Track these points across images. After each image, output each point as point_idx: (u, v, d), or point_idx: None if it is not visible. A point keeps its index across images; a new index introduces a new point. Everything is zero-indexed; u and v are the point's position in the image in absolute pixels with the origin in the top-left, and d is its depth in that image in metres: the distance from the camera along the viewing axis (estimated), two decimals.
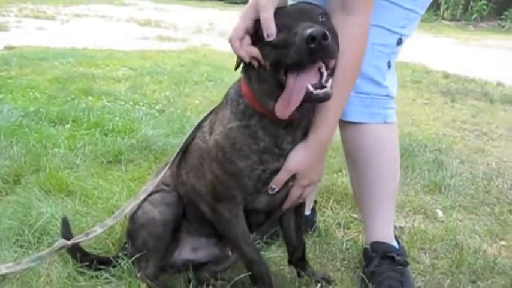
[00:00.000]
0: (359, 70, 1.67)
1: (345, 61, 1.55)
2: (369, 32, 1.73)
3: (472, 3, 18.64)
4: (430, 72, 7.83)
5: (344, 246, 2.18)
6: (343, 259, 2.09)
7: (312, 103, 1.48)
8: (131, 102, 4.44)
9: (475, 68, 8.30)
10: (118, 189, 2.46)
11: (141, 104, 4.44)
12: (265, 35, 1.44)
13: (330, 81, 1.42)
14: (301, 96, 1.38)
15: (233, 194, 1.60)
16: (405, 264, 1.90)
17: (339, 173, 3.05)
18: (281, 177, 1.61)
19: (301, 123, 1.59)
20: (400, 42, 1.88)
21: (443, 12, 19.09)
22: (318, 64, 1.40)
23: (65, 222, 1.88)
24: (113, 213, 1.96)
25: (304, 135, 1.62)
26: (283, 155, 1.59)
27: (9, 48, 7.42)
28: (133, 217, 1.79)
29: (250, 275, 1.69)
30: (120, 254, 1.80)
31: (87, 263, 1.80)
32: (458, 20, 18.52)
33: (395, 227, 2.38)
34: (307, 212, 2.29)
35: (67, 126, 3.50)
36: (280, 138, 1.57)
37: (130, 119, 3.81)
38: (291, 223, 1.87)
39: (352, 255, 2.11)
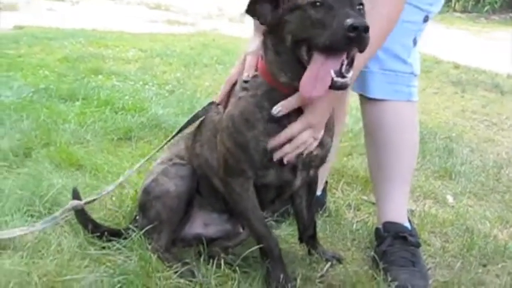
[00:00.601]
0: (383, 40, 1.66)
1: (377, 32, 1.53)
2: None
3: None
4: (440, 63, 7.77)
5: (354, 227, 2.17)
6: (354, 239, 2.08)
7: (332, 89, 1.43)
8: (141, 82, 4.42)
9: (486, 59, 8.22)
10: (128, 164, 2.45)
11: (150, 84, 4.42)
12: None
13: (350, 73, 1.41)
14: (328, 83, 1.38)
15: (243, 167, 1.60)
16: (417, 245, 1.89)
17: (349, 156, 3.03)
18: (289, 103, 1.54)
19: None
20: (426, 19, 1.87)
21: (455, 4, 18.85)
22: (346, 52, 1.39)
23: (75, 192, 1.88)
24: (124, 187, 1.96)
25: None
26: None
27: (19, 27, 7.41)
28: (146, 189, 1.78)
29: (261, 250, 1.68)
30: (131, 226, 1.79)
31: (98, 234, 1.80)
32: (469, 12, 18.30)
33: (407, 210, 2.37)
34: (318, 192, 2.28)
35: (77, 103, 3.49)
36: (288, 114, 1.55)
37: (140, 98, 3.80)
38: (302, 201, 1.85)
39: (362, 236, 2.10)
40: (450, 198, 2.67)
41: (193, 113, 1.83)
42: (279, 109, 1.54)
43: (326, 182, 2.37)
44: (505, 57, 8.71)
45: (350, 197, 2.47)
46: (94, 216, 1.91)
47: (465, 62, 7.82)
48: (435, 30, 13.21)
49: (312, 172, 1.73)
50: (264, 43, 1.56)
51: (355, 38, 1.31)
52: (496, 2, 17.76)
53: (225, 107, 1.67)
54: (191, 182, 1.75)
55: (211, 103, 1.78)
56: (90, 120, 3.09)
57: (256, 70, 1.60)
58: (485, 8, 17.81)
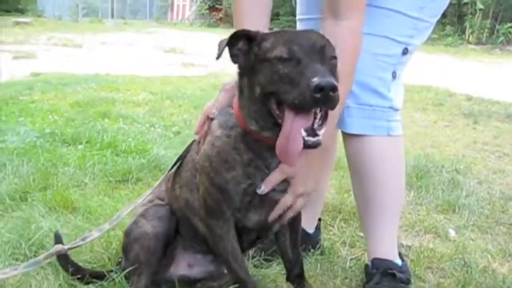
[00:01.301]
0: (354, 74, 1.65)
1: (341, 67, 1.52)
2: (372, 42, 1.73)
3: (497, 27, 18.46)
4: (453, 95, 7.73)
5: (348, 264, 2.13)
6: (346, 277, 2.03)
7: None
8: (147, 125, 4.47)
9: (500, 90, 8.17)
10: (122, 206, 2.45)
11: (157, 126, 4.47)
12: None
13: (322, 130, 1.38)
14: (300, 145, 1.35)
15: (222, 209, 1.58)
16: (407, 282, 1.84)
17: (350, 193, 2.99)
18: (274, 178, 1.54)
19: None
20: (405, 52, 1.83)
21: (469, 36, 18.92)
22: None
23: (57, 236, 1.88)
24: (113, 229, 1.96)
25: None
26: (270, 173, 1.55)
27: (35, 74, 7.62)
28: (127, 231, 1.78)
29: None
30: (113, 269, 1.78)
31: (80, 277, 1.79)
32: (484, 44, 18.31)
33: (403, 245, 2.33)
34: (311, 230, 2.25)
35: (80, 146, 3.54)
36: (264, 156, 1.53)
37: (144, 140, 3.84)
38: (286, 240, 1.82)
39: (355, 274, 2.05)
40: (452, 232, 2.60)
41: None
42: (262, 188, 1.54)
43: (319, 220, 2.33)
44: None
45: (346, 233, 2.43)
46: (80, 258, 1.91)
47: (478, 94, 7.78)
48: (449, 64, 13.25)
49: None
50: (239, 86, 1.54)
51: (322, 99, 1.28)
52: (510, 33, 17.73)
53: (204, 138, 1.65)
54: (169, 223, 1.74)
55: (193, 142, 1.78)
56: (90, 163, 3.11)
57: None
58: (500, 39, 17.83)
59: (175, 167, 1.83)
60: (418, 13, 1.80)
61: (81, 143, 3.61)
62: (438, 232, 2.58)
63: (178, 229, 1.79)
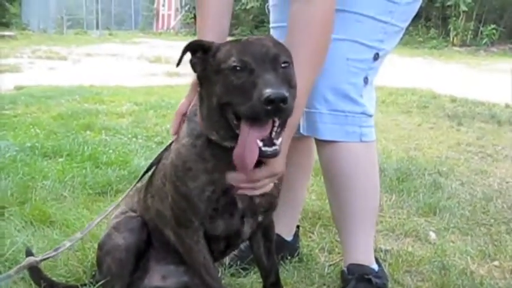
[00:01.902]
0: (325, 53, 1.63)
1: (311, 47, 1.55)
2: (343, 47, 1.74)
3: (481, 28, 18.63)
4: (437, 97, 7.80)
5: (326, 270, 2.13)
6: (324, 284, 2.04)
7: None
8: (130, 136, 4.45)
9: (484, 91, 8.23)
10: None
11: (139, 137, 4.45)
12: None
13: (280, 139, 1.38)
14: (256, 155, 1.35)
15: (189, 217, 1.57)
16: (383, 286, 1.84)
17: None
18: (238, 176, 1.50)
19: None
20: (376, 57, 1.84)
21: (453, 39, 19.07)
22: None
23: (28, 251, 1.88)
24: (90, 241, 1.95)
25: None
26: None
27: (19, 88, 7.58)
28: (100, 244, 1.78)
29: None
30: (87, 282, 1.77)
31: None
32: (468, 46, 18.47)
33: (382, 250, 2.32)
34: (289, 237, 2.25)
35: (60, 160, 3.52)
36: (230, 161, 1.49)
37: (125, 152, 3.82)
38: (260, 248, 1.81)
39: (332, 280, 2.05)
40: (432, 235, 2.61)
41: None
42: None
43: (298, 227, 2.32)
44: (504, 88, 8.71)
45: (325, 240, 2.43)
46: (55, 272, 1.91)
47: (463, 95, 7.83)
48: (434, 66, 13.34)
49: (260, 218, 1.69)
50: (200, 95, 1.53)
51: (273, 111, 1.27)
52: (493, 34, 17.90)
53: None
54: (140, 234, 1.74)
55: (164, 150, 1.77)
56: (69, 175, 3.09)
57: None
58: (484, 41, 17.99)
59: (146, 176, 1.83)
60: (388, 17, 1.81)
61: (61, 156, 3.59)
62: (419, 235, 2.59)
63: (151, 241, 1.77)
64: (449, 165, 4.02)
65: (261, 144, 1.34)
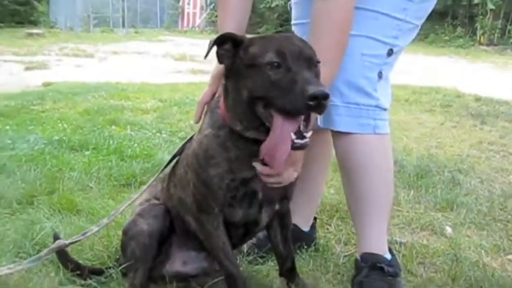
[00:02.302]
0: (345, 49, 1.73)
1: (332, 44, 1.65)
2: (359, 43, 1.81)
3: (509, 27, 18.37)
4: (461, 96, 7.75)
5: (341, 260, 2.18)
6: (338, 273, 2.09)
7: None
8: (154, 131, 4.55)
9: (510, 91, 8.15)
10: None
11: (163, 132, 4.54)
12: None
13: (309, 132, 1.46)
14: (289, 147, 1.43)
15: (209, 204, 1.65)
16: (395, 275, 1.89)
17: None
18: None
19: None
20: (390, 53, 1.90)
21: (480, 37, 18.85)
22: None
23: (55, 236, 1.99)
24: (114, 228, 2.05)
25: None
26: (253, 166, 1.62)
27: (47, 84, 7.75)
28: (125, 230, 1.87)
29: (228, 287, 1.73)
30: (110, 265, 1.86)
31: (79, 273, 1.89)
32: (495, 45, 18.24)
33: (397, 242, 2.37)
34: (306, 228, 2.31)
35: (87, 153, 3.63)
36: (252, 152, 1.59)
37: (150, 146, 3.92)
38: (277, 235, 1.89)
39: (347, 269, 2.11)
40: (449, 229, 2.64)
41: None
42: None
43: (315, 219, 2.38)
44: None
45: (342, 231, 2.49)
46: (81, 256, 2.02)
47: (488, 94, 7.77)
48: (460, 65, 13.23)
49: (277, 206, 1.76)
50: (225, 87, 1.60)
51: (315, 106, 1.36)
52: None
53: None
54: (163, 221, 1.82)
55: (187, 142, 1.86)
56: (95, 167, 3.20)
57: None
58: (511, 40, 17.76)
59: (170, 165, 1.92)
60: (402, 15, 1.86)
61: (87, 149, 3.71)
62: (434, 229, 2.63)
63: (173, 227, 1.86)
64: (470, 163, 4.02)
65: (294, 137, 1.42)
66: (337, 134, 1.93)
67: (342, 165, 2.01)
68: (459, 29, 19.71)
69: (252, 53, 1.50)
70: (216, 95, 1.72)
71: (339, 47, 1.72)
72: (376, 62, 1.88)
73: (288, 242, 1.90)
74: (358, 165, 1.94)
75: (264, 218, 1.75)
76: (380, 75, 1.90)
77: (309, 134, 1.45)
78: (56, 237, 1.95)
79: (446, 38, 19.27)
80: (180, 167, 1.82)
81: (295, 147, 1.44)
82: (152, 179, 1.98)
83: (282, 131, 1.42)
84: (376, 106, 1.89)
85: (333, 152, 2.10)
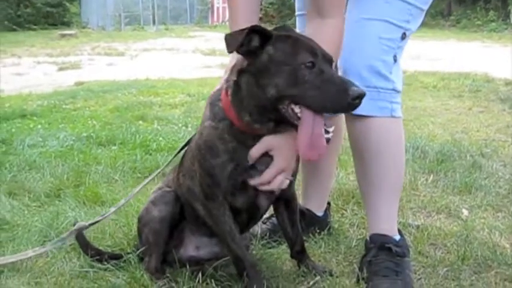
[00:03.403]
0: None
1: None
2: (375, 26, 1.89)
3: None
4: (491, 81, 7.63)
5: (353, 243, 2.23)
6: (350, 255, 2.14)
7: None
8: (180, 125, 4.67)
9: None
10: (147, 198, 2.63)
11: (190, 125, 4.65)
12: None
13: (333, 127, 1.57)
14: (324, 143, 1.53)
15: (214, 192, 1.74)
16: (403, 255, 1.93)
17: None
18: (257, 149, 1.68)
19: None
20: (404, 36, 1.95)
21: None
22: None
23: (75, 223, 2.11)
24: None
25: None
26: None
27: (79, 83, 7.96)
28: (139, 217, 1.99)
29: (237, 271, 1.82)
30: (128, 251, 1.98)
31: (99, 258, 2.01)
32: None
33: (410, 225, 2.41)
34: (320, 213, 2.37)
35: (113, 148, 3.78)
36: (248, 144, 1.68)
37: (175, 139, 4.03)
38: (284, 219, 1.97)
39: (358, 251, 2.15)
40: (465, 212, 2.66)
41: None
42: (249, 160, 1.70)
43: (329, 204, 2.44)
44: None
45: (357, 216, 2.53)
46: (103, 243, 2.15)
47: None
48: (491, 49, 12.98)
49: (276, 193, 1.83)
50: (236, 82, 1.62)
51: (356, 105, 1.48)
52: None
53: None
54: (173, 207, 1.92)
55: (195, 134, 1.95)
56: (120, 161, 3.32)
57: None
58: None
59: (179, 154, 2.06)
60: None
61: (114, 144, 3.85)
62: (451, 212, 2.64)
63: (184, 213, 1.96)
64: (494, 147, 3.99)
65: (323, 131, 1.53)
66: (353, 118, 1.96)
67: (356, 147, 2.05)
68: (492, 12, 19.31)
69: (283, 51, 1.54)
70: (215, 89, 1.79)
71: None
72: (392, 45, 1.93)
73: (296, 225, 1.98)
74: (372, 148, 1.98)
75: (264, 204, 1.83)
76: (395, 58, 1.95)
77: (332, 129, 1.56)
78: (76, 222, 2.08)
79: (479, 22, 18.91)
80: (187, 158, 1.91)
81: None
82: (164, 165, 2.15)
83: (315, 127, 1.51)
84: (393, 89, 1.95)
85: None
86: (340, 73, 1.87)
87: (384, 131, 1.97)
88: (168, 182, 2.03)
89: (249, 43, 1.56)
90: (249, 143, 1.67)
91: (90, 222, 2.06)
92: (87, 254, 2.02)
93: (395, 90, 1.96)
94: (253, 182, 1.72)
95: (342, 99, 1.45)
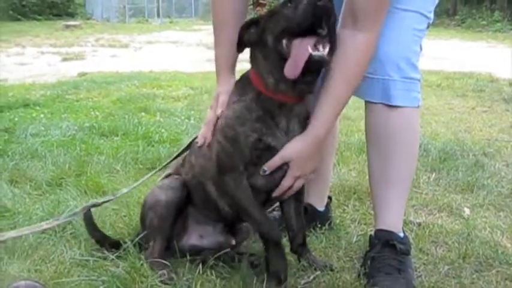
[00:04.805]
0: (360, 78, 1.82)
1: (349, 66, 1.76)
2: (410, 18, 1.89)
3: None
4: (495, 81, 7.60)
5: (354, 239, 2.23)
6: (351, 250, 2.14)
7: (312, 67, 1.63)
8: (183, 117, 4.66)
9: None
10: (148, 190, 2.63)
11: (192, 118, 4.64)
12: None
13: (326, 48, 1.63)
14: (306, 57, 1.59)
15: (235, 162, 1.76)
16: (407, 253, 1.92)
17: (363, 173, 3.07)
18: (274, 162, 1.76)
19: (294, 107, 1.76)
20: (428, 26, 1.98)
21: None
22: (318, 32, 1.62)
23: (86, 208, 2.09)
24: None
25: (300, 125, 1.78)
26: (277, 134, 1.75)
27: (82, 74, 7.97)
28: (144, 201, 2.00)
29: (262, 238, 1.83)
30: (127, 240, 1.98)
31: (100, 242, 2.03)
32: None
33: (411, 222, 2.40)
34: (321, 208, 2.36)
35: (116, 138, 3.78)
36: (274, 113, 1.74)
37: (177, 131, 4.03)
38: (291, 209, 1.97)
39: (359, 247, 2.15)
40: (467, 211, 2.65)
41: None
42: (265, 169, 1.76)
43: (330, 198, 2.43)
44: None
45: (358, 212, 2.53)
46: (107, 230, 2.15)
47: None
48: (497, 50, 12.95)
49: None
50: (253, 55, 1.78)
51: (321, 9, 1.56)
52: None
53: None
54: (180, 192, 1.94)
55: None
56: (122, 152, 3.32)
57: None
58: None
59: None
60: None
61: (117, 135, 3.85)
62: (452, 211, 2.63)
63: (190, 200, 1.97)
64: (497, 147, 3.97)
65: (310, 49, 1.59)
66: (382, 107, 1.93)
67: (378, 137, 1.99)
68: (497, 13, 19.25)
69: (270, 11, 1.75)
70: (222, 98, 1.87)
71: (361, 71, 1.82)
72: (421, 35, 1.95)
73: (300, 216, 1.99)
74: (396, 138, 1.95)
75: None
76: (420, 47, 1.96)
77: (326, 50, 1.63)
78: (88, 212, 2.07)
79: (484, 22, 18.85)
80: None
81: (313, 60, 1.59)
82: (174, 156, 2.15)
83: (299, 47, 1.61)
84: (419, 80, 1.96)
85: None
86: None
87: (410, 121, 1.97)
88: (176, 170, 2.05)
89: (249, 33, 1.78)
90: (275, 112, 1.74)
91: (102, 200, 2.09)
92: (91, 235, 2.03)
93: (420, 80, 1.97)
94: (275, 194, 1.83)
95: (308, 6, 1.57)
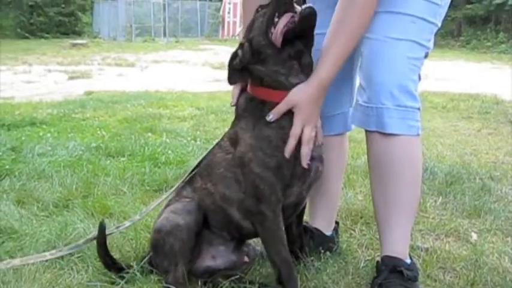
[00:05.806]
0: (364, 27, 1.88)
1: (353, 15, 1.84)
2: (404, 47, 1.91)
3: None
4: (500, 103, 7.63)
5: (361, 264, 2.21)
6: (358, 276, 2.12)
7: (299, 26, 1.77)
8: (189, 138, 4.67)
9: None
10: (155, 212, 2.63)
11: (198, 139, 4.65)
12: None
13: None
14: (288, 18, 1.77)
15: (275, 189, 1.79)
16: (414, 279, 1.91)
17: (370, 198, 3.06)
18: (279, 108, 1.82)
19: None
20: (426, 55, 1.99)
21: None
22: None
23: (101, 224, 2.05)
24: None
25: None
26: None
27: (89, 93, 8.02)
28: (158, 228, 1.93)
29: (279, 276, 1.85)
30: (133, 264, 1.98)
31: (106, 268, 2.01)
32: None
33: (419, 247, 2.39)
34: (328, 232, 2.36)
35: (122, 159, 3.78)
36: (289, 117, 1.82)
37: (184, 153, 4.03)
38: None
39: (366, 273, 2.14)
40: (474, 236, 2.64)
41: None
42: (271, 116, 1.81)
43: (337, 223, 2.43)
44: None
45: (366, 236, 2.52)
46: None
47: None
48: (501, 71, 12.98)
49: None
50: (254, 75, 1.87)
51: None
52: None
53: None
54: (197, 215, 1.93)
55: (214, 147, 2.01)
56: (129, 173, 3.33)
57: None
58: None
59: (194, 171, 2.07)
60: (434, 18, 1.95)
61: (123, 156, 3.85)
62: (460, 236, 2.62)
63: (203, 223, 1.97)
64: (503, 170, 3.97)
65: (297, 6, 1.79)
66: (379, 135, 1.96)
67: (378, 165, 2.02)
68: (502, 34, 19.33)
69: (249, 25, 1.93)
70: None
71: (365, 20, 1.87)
72: (418, 64, 1.96)
73: (300, 225, 2.09)
74: (395, 166, 1.96)
75: (306, 195, 1.94)
76: (419, 77, 1.98)
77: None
78: (101, 226, 2.04)
79: (489, 43, 18.94)
80: (219, 168, 1.93)
81: (303, 13, 1.76)
82: (182, 179, 2.10)
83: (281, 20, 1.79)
84: (418, 108, 1.97)
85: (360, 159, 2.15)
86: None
87: (409, 149, 1.97)
88: (186, 194, 2.02)
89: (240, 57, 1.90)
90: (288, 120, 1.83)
91: (107, 232, 2.06)
92: (102, 259, 2.00)
93: (419, 108, 1.98)
94: (287, 149, 1.81)
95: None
